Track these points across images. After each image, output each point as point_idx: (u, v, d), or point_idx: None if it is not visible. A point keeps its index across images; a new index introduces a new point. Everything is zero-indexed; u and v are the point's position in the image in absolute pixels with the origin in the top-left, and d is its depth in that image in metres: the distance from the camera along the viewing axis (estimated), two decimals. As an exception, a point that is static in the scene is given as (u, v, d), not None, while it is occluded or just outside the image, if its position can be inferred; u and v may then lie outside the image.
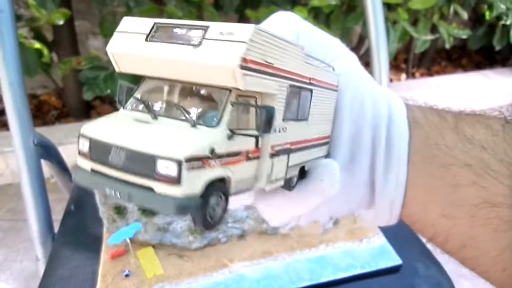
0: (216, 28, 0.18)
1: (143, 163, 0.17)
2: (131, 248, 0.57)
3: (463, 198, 0.23)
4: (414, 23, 1.86)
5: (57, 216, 0.80)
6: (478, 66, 2.67)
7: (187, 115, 0.19)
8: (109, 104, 2.11)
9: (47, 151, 0.72)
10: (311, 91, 0.26)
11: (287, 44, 0.22)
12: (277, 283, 0.54)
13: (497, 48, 2.27)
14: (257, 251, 0.59)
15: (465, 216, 0.23)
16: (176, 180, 0.17)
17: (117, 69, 0.22)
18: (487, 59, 2.72)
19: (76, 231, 0.66)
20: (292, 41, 0.22)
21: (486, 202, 0.22)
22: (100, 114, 2.21)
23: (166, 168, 0.17)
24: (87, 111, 2.12)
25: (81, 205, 0.72)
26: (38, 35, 1.74)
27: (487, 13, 2.22)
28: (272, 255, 0.58)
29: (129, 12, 1.65)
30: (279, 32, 0.21)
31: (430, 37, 1.81)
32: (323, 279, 0.54)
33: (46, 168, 0.75)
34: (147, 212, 0.58)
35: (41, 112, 2.15)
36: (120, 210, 0.59)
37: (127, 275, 0.54)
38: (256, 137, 0.21)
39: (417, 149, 0.26)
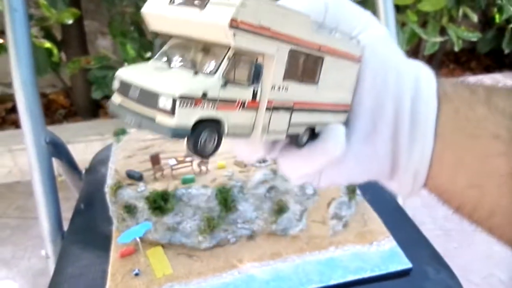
0: None
1: (150, 98, 0.22)
2: (141, 247, 0.57)
3: (492, 168, 0.24)
4: (423, 25, 1.85)
5: (65, 214, 0.81)
6: (487, 69, 2.65)
7: (192, 66, 0.24)
8: (117, 104, 2.13)
9: (58, 150, 0.72)
10: (321, 58, 0.27)
11: (288, 12, 0.24)
12: (286, 284, 0.53)
13: (506, 51, 2.25)
14: (267, 252, 0.59)
15: (493, 186, 0.24)
16: (171, 113, 0.21)
17: (149, 28, 0.26)
18: (496, 62, 2.70)
19: (86, 229, 0.66)
20: (300, 10, 0.25)
21: None
22: (107, 114, 2.22)
23: (164, 103, 0.21)
24: (95, 110, 2.13)
25: (91, 203, 0.72)
26: (48, 34, 1.75)
27: (497, 16, 2.20)
28: (281, 256, 0.58)
29: (138, 12, 1.66)
30: (306, 2, 0.23)
31: (439, 39, 1.79)
32: (333, 282, 0.54)
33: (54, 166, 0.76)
34: (157, 211, 0.58)
35: (49, 110, 2.16)
36: (130, 209, 0.59)
37: (136, 274, 0.54)
38: (254, 90, 0.24)
39: (446, 122, 0.26)
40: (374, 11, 0.75)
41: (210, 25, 0.22)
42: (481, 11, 2.21)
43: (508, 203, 0.23)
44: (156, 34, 0.26)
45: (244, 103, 0.24)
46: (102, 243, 0.61)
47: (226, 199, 0.60)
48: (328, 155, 0.27)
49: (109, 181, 0.61)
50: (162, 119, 0.22)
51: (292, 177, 0.30)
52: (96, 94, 1.67)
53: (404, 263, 0.57)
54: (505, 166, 0.23)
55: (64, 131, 1.86)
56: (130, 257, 0.57)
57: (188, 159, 0.63)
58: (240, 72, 0.24)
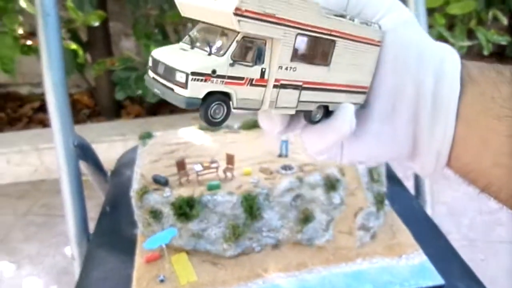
0: None
1: (170, 73, 0.26)
2: (166, 253, 0.57)
3: None
4: (450, 28, 1.80)
5: (89, 214, 0.82)
6: (516, 73, 2.56)
7: (208, 47, 0.27)
8: (139, 105, 2.15)
9: (85, 153, 0.73)
10: (333, 42, 0.30)
11: (291, 6, 0.27)
12: (312, 296, 0.52)
13: (538, 55, 2.16)
14: (292, 262, 0.58)
15: None
16: (185, 86, 0.25)
17: (181, 14, 0.30)
18: (526, 66, 2.60)
19: (111, 232, 0.67)
20: None
21: None
22: (129, 114, 2.24)
23: (180, 77, 0.25)
24: (118, 111, 2.17)
25: (116, 206, 0.73)
26: (74, 36, 1.79)
27: (528, 19, 2.12)
28: (307, 267, 0.57)
29: (163, 15, 1.67)
30: None
31: (467, 43, 1.74)
32: (361, 295, 0.52)
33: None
34: (182, 217, 0.58)
35: (74, 110, 2.21)
36: (156, 214, 0.59)
37: (161, 281, 0.54)
38: (262, 69, 0.28)
39: (471, 103, 0.27)
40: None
41: (220, 12, 0.26)
42: (510, 13, 2.14)
43: None
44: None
45: (252, 80, 0.28)
46: (127, 247, 0.62)
47: (251, 206, 0.59)
48: (337, 133, 0.29)
49: (135, 186, 0.61)
50: (179, 90, 0.26)
51: (311, 152, 0.32)
52: (119, 95, 1.69)
53: (436, 279, 0.54)
54: None
55: (88, 131, 1.90)
56: (155, 263, 0.57)
57: (213, 165, 0.62)
58: (249, 54, 0.27)
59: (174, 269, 0.56)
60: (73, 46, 1.67)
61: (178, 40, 0.31)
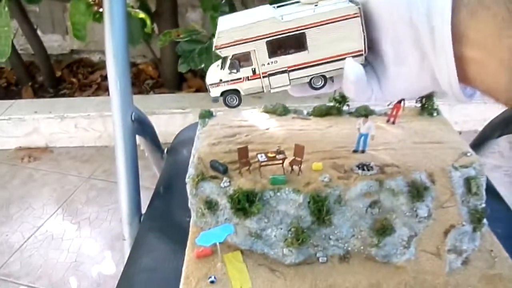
0: None
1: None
2: (219, 251, 0.51)
3: None
4: None
5: (144, 183, 0.78)
6: None
7: (221, 64, 0.44)
8: (200, 78, 2.13)
9: (143, 127, 0.69)
10: (302, 33, 0.40)
11: (252, 24, 0.40)
12: (386, 328, 0.43)
13: None
14: (363, 281, 0.49)
15: None
16: (209, 90, 0.44)
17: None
18: None
19: (163, 217, 0.63)
20: (263, 16, 0.41)
21: None
22: (191, 87, 2.23)
23: (208, 85, 0.45)
24: (180, 84, 2.16)
25: (170, 188, 0.68)
26: (143, 5, 1.78)
27: None
28: (381, 290, 0.48)
29: (231, -14, 1.60)
30: None
31: None
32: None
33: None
34: (240, 213, 0.51)
35: (138, 80, 2.25)
36: (211, 205, 0.53)
37: (212, 282, 0.48)
38: (253, 69, 0.43)
39: (485, 27, 0.29)
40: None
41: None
42: None
43: None
44: None
45: (248, 77, 0.43)
46: (179, 235, 0.57)
47: (320, 209, 0.50)
48: (348, 80, 0.40)
49: (191, 171, 0.55)
50: (210, 92, 0.45)
51: (350, 96, 0.42)
52: (182, 68, 1.66)
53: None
54: None
55: (150, 102, 1.91)
56: (206, 260, 0.51)
57: (279, 156, 0.54)
58: (241, 63, 0.43)
59: (227, 269, 0.50)
60: (141, 15, 1.66)
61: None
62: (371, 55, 0.41)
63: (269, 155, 0.55)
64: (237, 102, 0.45)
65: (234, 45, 0.41)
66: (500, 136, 0.73)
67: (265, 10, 0.44)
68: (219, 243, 0.50)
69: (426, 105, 0.68)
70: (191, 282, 0.48)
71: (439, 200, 0.53)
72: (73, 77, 2.30)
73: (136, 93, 2.14)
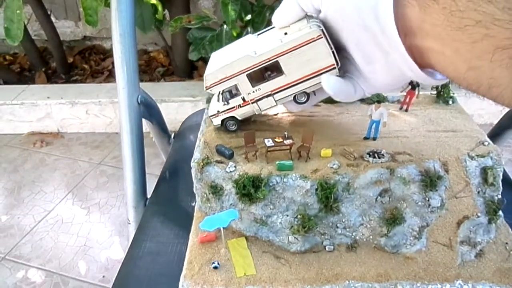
0: None
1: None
2: (223, 236, 0.49)
3: (481, 49, 0.29)
4: None
5: (152, 170, 0.78)
6: None
7: (218, 97, 0.54)
8: (212, 67, 2.11)
9: (149, 111, 0.68)
10: (276, 61, 0.47)
11: (232, 62, 0.49)
12: (394, 319, 0.42)
13: None
14: (371, 271, 0.47)
15: (485, 64, 0.29)
16: (211, 121, 0.56)
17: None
18: None
19: (168, 201, 0.62)
20: (240, 55, 0.49)
21: (497, 48, 0.28)
22: (201, 76, 2.23)
23: (209, 117, 0.56)
24: (191, 72, 2.15)
25: (176, 173, 0.68)
26: (155, -9, 1.76)
27: None
28: (389, 281, 0.46)
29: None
30: None
31: None
32: (458, 330, 0.41)
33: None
34: (245, 198, 0.50)
35: (149, 67, 2.24)
36: (216, 190, 0.52)
37: (215, 267, 0.47)
38: (243, 98, 0.52)
39: (437, 21, 0.31)
40: None
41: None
42: None
43: (499, 74, 0.29)
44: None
45: (240, 105, 0.53)
46: (183, 220, 0.56)
47: (327, 197, 0.49)
48: (328, 90, 0.46)
49: (197, 155, 0.54)
50: (212, 122, 0.56)
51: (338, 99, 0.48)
52: (193, 55, 1.65)
53: None
54: (489, 45, 0.28)
55: (160, 89, 1.91)
56: (210, 245, 0.50)
57: (287, 141, 0.53)
58: (231, 94, 0.52)
59: (231, 256, 0.49)
60: (153, 1, 1.64)
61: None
62: (345, 60, 0.46)
63: (277, 140, 0.53)
64: (235, 127, 0.55)
65: (220, 83, 0.50)
66: (520, 126, 0.70)
67: (247, 42, 0.52)
68: (223, 228, 0.49)
69: (442, 93, 0.65)
70: (194, 267, 0.47)
71: (452, 190, 0.51)
72: (85, 63, 2.31)
73: (147, 80, 2.14)
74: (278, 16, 0.47)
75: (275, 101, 0.51)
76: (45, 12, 2.02)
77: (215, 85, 0.50)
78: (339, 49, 0.45)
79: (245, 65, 0.48)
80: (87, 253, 1.32)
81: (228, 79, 0.49)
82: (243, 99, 0.52)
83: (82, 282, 1.23)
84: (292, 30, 0.46)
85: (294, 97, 0.51)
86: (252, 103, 0.52)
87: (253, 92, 0.50)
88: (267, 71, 0.49)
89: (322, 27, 0.44)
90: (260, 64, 0.48)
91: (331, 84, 0.45)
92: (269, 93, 0.50)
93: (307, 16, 0.46)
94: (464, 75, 0.31)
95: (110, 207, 1.49)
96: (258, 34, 0.52)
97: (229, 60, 0.49)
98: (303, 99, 0.51)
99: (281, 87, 0.50)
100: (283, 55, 0.46)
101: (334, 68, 0.46)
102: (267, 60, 0.47)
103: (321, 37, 0.44)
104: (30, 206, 1.52)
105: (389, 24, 0.35)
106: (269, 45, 0.47)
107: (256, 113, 0.53)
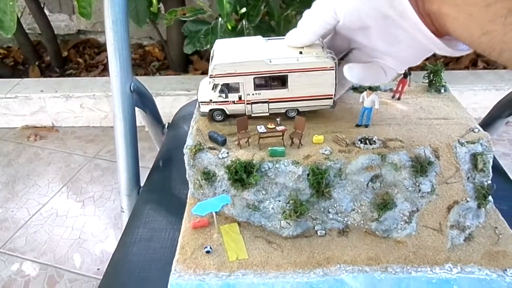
0: None
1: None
2: (216, 222, 0.50)
3: (494, 13, 0.30)
4: None
5: (146, 163, 0.78)
6: None
7: (213, 87, 0.54)
8: (206, 61, 2.11)
9: (142, 100, 0.68)
10: (286, 75, 0.51)
11: (245, 62, 0.51)
12: (383, 301, 0.42)
13: None
14: (361, 254, 0.48)
15: (498, 28, 0.30)
16: (199, 107, 0.56)
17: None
18: None
19: (161, 189, 0.62)
20: (255, 58, 0.51)
21: (511, 11, 0.29)
22: (197, 70, 2.21)
23: (199, 102, 0.56)
24: (186, 66, 2.15)
25: (169, 161, 0.68)
26: (149, -16, 1.75)
27: None
28: (380, 264, 0.46)
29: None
30: None
31: None
32: (447, 311, 0.41)
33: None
34: (237, 184, 0.50)
35: (144, 62, 2.23)
36: (208, 176, 0.52)
37: (208, 252, 0.47)
38: (240, 95, 0.53)
39: None
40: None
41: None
42: None
43: (511, 38, 0.30)
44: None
45: (234, 101, 0.54)
46: (176, 207, 0.56)
47: (319, 182, 0.49)
48: (351, 79, 0.50)
49: (189, 141, 0.54)
50: (200, 108, 0.56)
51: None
52: (188, 49, 1.64)
53: (555, 309, 0.41)
54: (502, 9, 0.29)
55: (155, 83, 1.90)
56: (203, 230, 0.50)
57: (279, 127, 0.53)
58: (230, 89, 0.53)
59: (223, 240, 0.49)
60: (147, -7, 1.63)
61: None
62: (364, 51, 0.49)
63: (269, 126, 0.53)
64: (222, 118, 0.56)
65: (226, 76, 0.52)
66: (510, 115, 0.71)
67: (257, 43, 0.54)
68: (216, 213, 0.50)
69: (434, 81, 0.65)
70: (187, 251, 0.48)
71: (443, 175, 0.52)
72: (79, 57, 2.29)
73: (142, 74, 2.13)
74: (299, 35, 0.50)
75: (268, 109, 0.54)
76: (38, 5, 2.00)
77: (220, 77, 0.52)
78: (353, 49, 0.51)
79: (257, 69, 0.51)
80: (82, 246, 1.32)
81: (235, 76, 0.51)
82: (240, 98, 0.53)
83: (77, 275, 1.23)
84: (306, 52, 0.50)
85: (286, 110, 0.55)
86: (247, 104, 0.54)
87: (253, 94, 0.53)
88: (272, 80, 0.52)
89: (336, 60, 0.50)
90: (271, 72, 0.51)
91: (354, 74, 0.48)
92: (267, 100, 0.54)
93: (322, 44, 0.51)
94: (478, 40, 0.32)
95: (105, 200, 1.49)
96: (267, 40, 0.55)
97: (242, 59, 0.51)
98: (293, 113, 0.55)
99: (279, 98, 0.54)
100: (295, 72, 0.50)
101: (331, 98, 0.53)
102: (279, 72, 0.50)
103: (333, 69, 0.50)
104: (24, 199, 1.51)
105: (406, 8, 0.36)
106: (285, 58, 0.50)
107: (246, 114, 0.54)
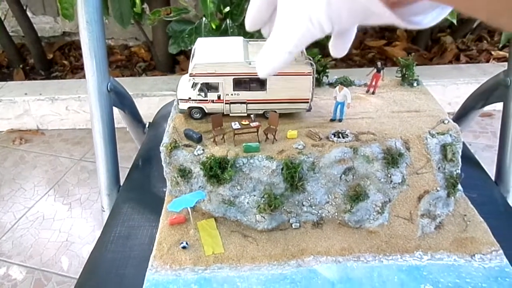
0: None
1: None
2: (192, 217, 0.50)
3: None
4: None
5: (130, 164, 0.77)
6: None
7: (192, 85, 0.56)
8: (193, 61, 2.11)
9: (120, 99, 0.68)
10: (264, 78, 0.52)
11: (226, 63, 0.53)
12: (355, 289, 0.43)
13: None
14: (335, 245, 0.49)
15: None
16: (179, 104, 0.58)
17: None
18: None
19: (140, 188, 0.62)
20: (236, 59, 0.53)
21: None
22: (183, 70, 2.21)
23: (178, 99, 0.58)
24: (172, 66, 2.14)
25: (149, 160, 0.68)
26: (132, -15, 1.74)
27: None
28: (352, 254, 0.48)
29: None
30: None
31: None
32: (416, 297, 0.43)
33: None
34: (212, 180, 0.51)
35: (130, 63, 2.23)
36: (184, 173, 0.53)
37: (184, 247, 0.48)
38: (219, 95, 0.55)
39: None
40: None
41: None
42: None
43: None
44: None
45: (213, 100, 0.56)
46: (154, 204, 0.56)
47: (293, 176, 0.50)
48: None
49: (165, 139, 0.54)
50: (179, 105, 0.57)
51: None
52: (172, 49, 1.64)
53: (519, 291, 0.43)
54: None
55: (141, 84, 1.89)
56: (180, 227, 0.51)
57: (253, 124, 0.54)
58: (209, 88, 0.55)
59: (200, 236, 0.50)
60: (130, -6, 1.63)
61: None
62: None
63: (243, 122, 0.54)
64: (200, 116, 0.57)
65: (206, 76, 0.53)
66: (483, 106, 0.72)
67: (238, 45, 0.56)
68: (191, 208, 0.50)
69: (406, 75, 0.67)
70: (164, 247, 0.48)
71: (414, 166, 0.53)
72: (65, 59, 2.27)
73: (128, 75, 2.12)
74: (269, 62, 0.34)
75: (247, 110, 0.56)
76: (21, 7, 1.98)
77: (200, 76, 0.53)
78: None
79: (237, 70, 0.52)
80: (69, 249, 1.32)
81: (215, 76, 0.53)
82: (219, 97, 0.55)
83: (65, 277, 1.23)
84: None
85: (264, 112, 0.56)
86: (225, 103, 0.55)
87: (232, 95, 0.55)
88: (251, 82, 0.54)
89: (314, 66, 0.53)
90: (250, 74, 0.52)
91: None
92: (245, 101, 0.55)
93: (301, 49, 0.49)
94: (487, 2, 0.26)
95: (91, 202, 1.48)
96: (248, 42, 0.57)
97: (222, 59, 0.53)
98: (269, 115, 0.56)
99: (258, 100, 0.55)
100: (274, 75, 0.44)
101: (307, 102, 0.55)
102: (255, 74, 0.51)
103: (311, 75, 0.53)
104: (10, 203, 1.50)
105: None
106: None
107: (224, 113, 0.56)
